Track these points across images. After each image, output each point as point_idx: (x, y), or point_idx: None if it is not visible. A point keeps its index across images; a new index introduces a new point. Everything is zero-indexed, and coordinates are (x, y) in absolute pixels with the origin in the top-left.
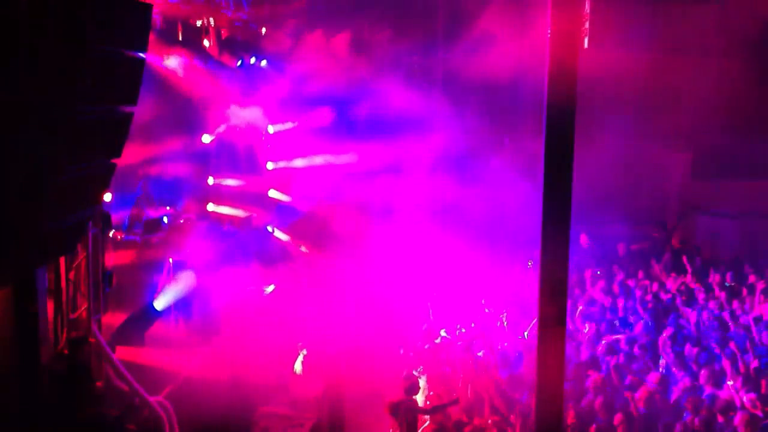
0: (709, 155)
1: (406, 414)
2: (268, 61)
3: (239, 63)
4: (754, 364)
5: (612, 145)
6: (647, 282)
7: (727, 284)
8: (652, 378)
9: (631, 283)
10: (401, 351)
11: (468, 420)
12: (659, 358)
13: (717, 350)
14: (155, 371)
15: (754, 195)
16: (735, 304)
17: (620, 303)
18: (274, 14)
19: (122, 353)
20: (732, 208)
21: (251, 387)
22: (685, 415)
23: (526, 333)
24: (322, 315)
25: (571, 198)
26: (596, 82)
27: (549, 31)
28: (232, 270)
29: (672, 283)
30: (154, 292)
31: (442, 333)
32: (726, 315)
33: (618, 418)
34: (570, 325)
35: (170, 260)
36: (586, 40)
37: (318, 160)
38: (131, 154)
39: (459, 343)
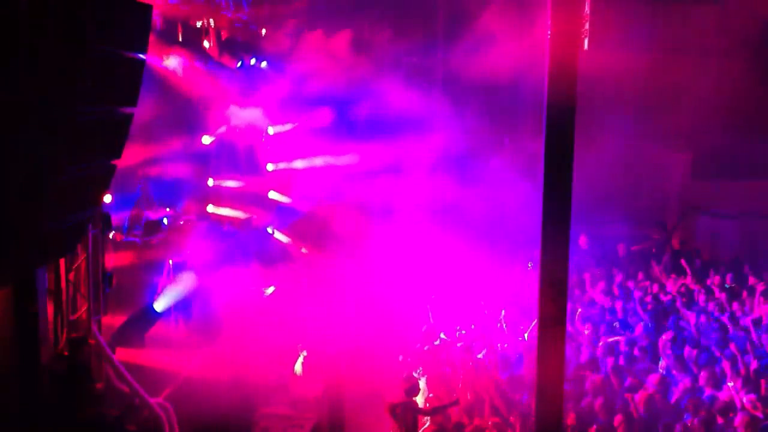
0: (710, 155)
1: (406, 415)
2: (268, 62)
3: (239, 64)
4: (754, 365)
5: (612, 145)
6: (647, 283)
7: (727, 285)
8: (652, 379)
9: (631, 284)
10: (400, 358)
11: (468, 421)
12: (659, 360)
13: (717, 352)
14: (155, 372)
15: (754, 195)
16: (735, 305)
17: (620, 304)
18: (274, 15)
19: (122, 354)
20: (732, 208)
21: (251, 387)
22: (685, 416)
23: (526, 334)
24: (322, 315)
25: (571, 198)
26: (596, 83)
27: (549, 32)
28: (232, 271)
29: (672, 285)
30: (154, 294)
31: (442, 335)
32: (726, 316)
33: (618, 419)
34: (570, 327)
35: (170, 261)
36: (586, 41)
37: (318, 160)
38: (131, 155)
39: (459, 344)
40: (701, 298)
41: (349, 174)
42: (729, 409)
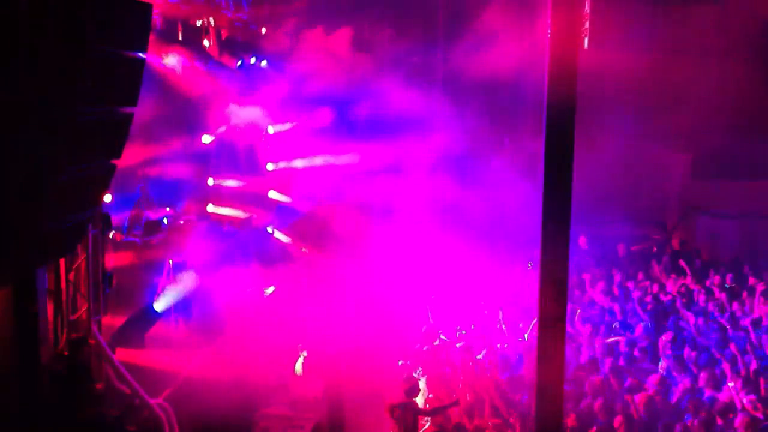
0: (710, 155)
1: (406, 416)
2: (268, 62)
3: (239, 63)
4: (754, 365)
5: (612, 145)
6: (647, 283)
7: (727, 286)
8: (653, 380)
9: (630, 284)
10: (401, 363)
11: (468, 422)
12: (659, 360)
13: (717, 353)
14: (155, 372)
15: (754, 195)
16: (735, 305)
17: (620, 305)
18: (274, 14)
19: (122, 354)
20: (732, 208)
21: (251, 388)
22: (686, 416)
23: (526, 335)
24: (322, 315)
25: (571, 198)
26: (596, 82)
27: (549, 31)
28: (232, 271)
29: (672, 285)
30: (154, 294)
31: (442, 337)
32: (726, 317)
33: (618, 420)
34: (570, 328)
35: (170, 261)
36: (586, 41)
37: (318, 160)
38: (131, 155)
39: (459, 344)
40: (701, 298)
41: (349, 174)
42: (729, 409)
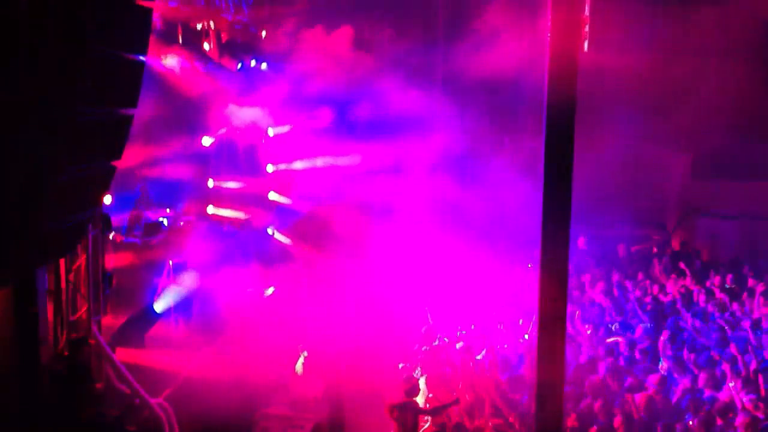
0: (710, 156)
1: (406, 415)
2: (268, 64)
3: (239, 66)
4: (754, 365)
5: (612, 146)
6: (647, 283)
7: (727, 286)
8: (653, 380)
9: (630, 285)
10: (401, 366)
11: (469, 421)
12: (659, 361)
13: (717, 352)
14: (155, 372)
15: (754, 196)
16: (735, 306)
17: (620, 305)
18: (274, 16)
19: (122, 354)
20: (732, 208)
21: (251, 388)
22: (686, 416)
23: (526, 335)
24: (323, 316)
25: (571, 198)
26: (597, 83)
27: (549, 31)
28: (232, 271)
29: (672, 286)
30: (154, 294)
31: (441, 339)
32: (726, 317)
33: (618, 420)
34: (570, 328)
35: (170, 262)
36: (585, 44)
37: (318, 161)
38: (131, 156)
39: (459, 344)
40: (701, 298)
41: (350, 174)
42: (729, 409)
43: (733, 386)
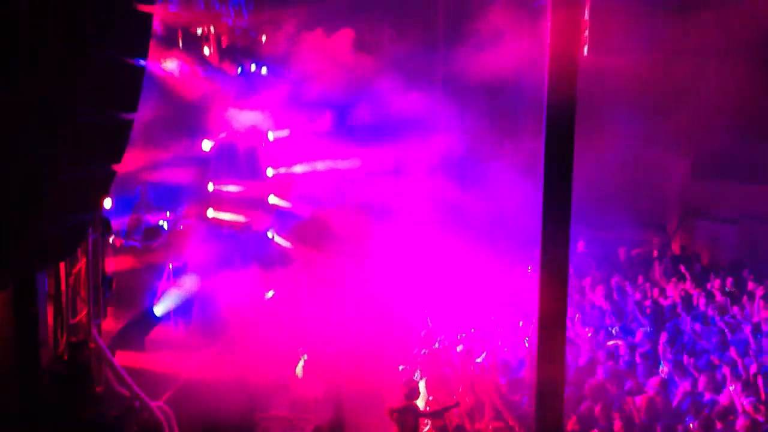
0: (710, 158)
1: (406, 418)
2: (268, 68)
3: (239, 70)
4: (754, 368)
5: (612, 148)
6: (647, 287)
7: (727, 290)
8: (653, 382)
9: (630, 288)
10: (401, 368)
11: (469, 424)
12: (660, 364)
13: (717, 355)
14: (155, 375)
15: (754, 199)
16: (735, 309)
17: (620, 309)
18: (274, 20)
19: (122, 357)
20: (732, 211)
21: (252, 390)
22: (687, 419)
23: (526, 339)
24: (323, 317)
25: (571, 197)
26: (597, 85)
27: (548, 30)
28: (232, 274)
29: (672, 289)
30: (154, 297)
31: (441, 341)
32: (726, 321)
33: (618, 424)
34: (570, 331)
35: (170, 265)
36: (585, 49)
37: (319, 164)
38: (131, 160)
39: (459, 347)
40: (701, 302)
41: (350, 177)
42: (729, 412)
43: (733, 389)
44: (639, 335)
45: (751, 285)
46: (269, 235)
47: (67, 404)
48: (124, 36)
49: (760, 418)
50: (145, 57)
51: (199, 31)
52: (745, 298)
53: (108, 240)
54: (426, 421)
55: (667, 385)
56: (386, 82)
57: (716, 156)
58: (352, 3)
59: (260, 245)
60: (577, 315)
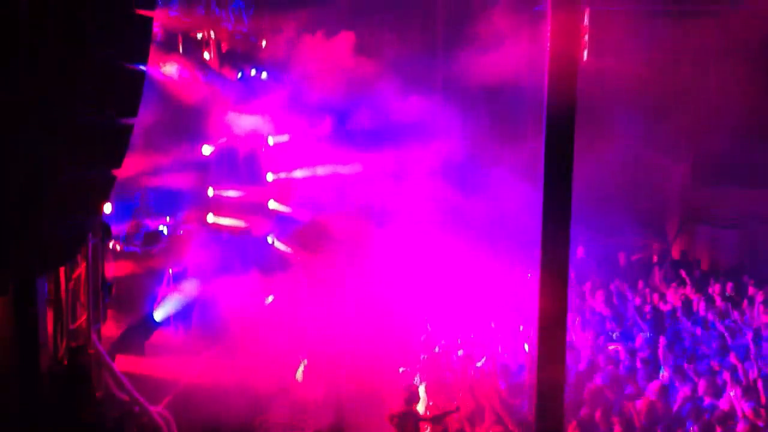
0: (710, 162)
1: (407, 423)
2: (268, 73)
3: (239, 75)
4: (754, 373)
5: (612, 152)
6: (647, 292)
7: (727, 295)
8: (653, 387)
9: (630, 293)
10: (401, 370)
11: (470, 429)
12: (660, 369)
13: (717, 360)
14: (155, 380)
15: (755, 203)
16: (735, 314)
17: (620, 314)
18: (274, 26)
19: (122, 362)
20: (732, 215)
21: (252, 394)
22: (687, 424)
23: (526, 345)
24: (323, 321)
25: (571, 197)
26: (597, 89)
27: (548, 31)
28: (232, 279)
29: (672, 294)
30: (154, 302)
31: (441, 346)
32: (726, 325)
33: (618, 429)
34: (570, 336)
35: (170, 270)
36: (585, 52)
37: (319, 169)
38: (130, 164)
39: (459, 351)
40: (701, 306)
41: (350, 181)
42: (730, 417)
43: (733, 394)
44: (639, 340)
45: (751, 290)
46: (269, 240)
47: (67, 406)
48: (124, 39)
49: (761, 423)
50: (145, 61)
51: (200, 35)
52: (745, 302)
53: (108, 245)
54: (426, 426)
55: (667, 390)
56: (386, 86)
57: (716, 160)
58: (353, 7)
59: (260, 250)
60: (577, 318)
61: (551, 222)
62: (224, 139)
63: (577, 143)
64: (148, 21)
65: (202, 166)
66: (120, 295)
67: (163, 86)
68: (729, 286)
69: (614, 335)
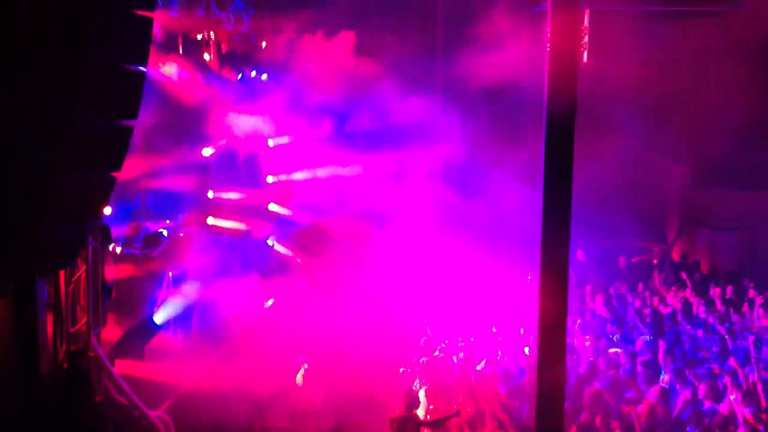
0: (710, 164)
1: (407, 428)
2: (268, 74)
3: (239, 76)
4: (754, 378)
5: (612, 149)
6: (647, 295)
7: (727, 298)
8: (653, 391)
9: (630, 296)
10: (402, 370)
11: None
12: (660, 373)
13: (717, 364)
14: (155, 384)
15: (755, 205)
16: (735, 318)
17: (620, 317)
18: (274, 27)
19: (122, 366)
20: (732, 217)
21: (251, 398)
22: (688, 428)
23: (526, 348)
24: (323, 324)
25: (571, 198)
26: (597, 91)
27: (549, 31)
28: (232, 282)
29: (672, 297)
30: (154, 306)
31: (442, 345)
32: (727, 328)
33: None
34: (569, 339)
35: (170, 273)
36: (585, 53)
37: (319, 171)
38: (130, 167)
39: (460, 355)
40: (701, 310)
41: (350, 184)
42: (730, 421)
43: (734, 398)
44: (639, 344)
45: (751, 293)
46: (269, 242)
47: (67, 409)
48: (124, 40)
49: (761, 427)
50: (145, 62)
51: (200, 36)
52: (745, 306)
53: (108, 248)
54: (427, 430)
55: (667, 394)
56: (386, 88)
57: (716, 161)
58: (353, 8)
59: (260, 253)
60: (578, 321)
61: (551, 222)
62: (224, 141)
63: (577, 144)
64: (148, 22)
65: (202, 168)
66: (120, 298)
67: (163, 87)
68: (729, 289)
69: (614, 338)
